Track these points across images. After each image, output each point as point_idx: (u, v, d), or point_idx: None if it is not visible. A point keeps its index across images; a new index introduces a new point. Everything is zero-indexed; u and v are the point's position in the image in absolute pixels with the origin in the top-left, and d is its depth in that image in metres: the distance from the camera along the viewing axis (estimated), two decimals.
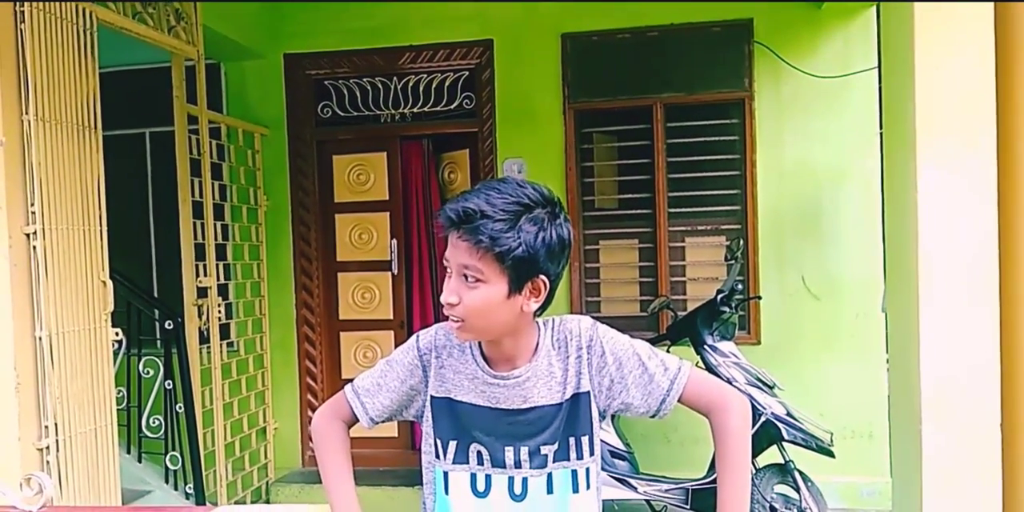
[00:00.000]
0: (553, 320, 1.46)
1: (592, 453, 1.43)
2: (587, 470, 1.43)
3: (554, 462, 1.41)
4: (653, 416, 1.43)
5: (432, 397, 1.45)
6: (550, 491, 1.41)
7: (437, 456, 1.46)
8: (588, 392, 1.42)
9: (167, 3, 3.81)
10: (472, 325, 1.34)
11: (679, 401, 1.41)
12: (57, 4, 2.97)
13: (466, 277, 1.31)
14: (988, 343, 2.37)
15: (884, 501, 4.16)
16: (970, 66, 2.37)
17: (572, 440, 1.42)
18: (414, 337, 1.50)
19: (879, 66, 4.15)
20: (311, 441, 1.58)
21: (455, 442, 1.43)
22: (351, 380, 1.53)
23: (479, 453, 1.42)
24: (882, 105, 2.88)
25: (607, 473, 3.68)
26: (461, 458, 1.43)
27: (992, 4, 2.34)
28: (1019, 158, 2.32)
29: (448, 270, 1.34)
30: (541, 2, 4.71)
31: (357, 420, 1.51)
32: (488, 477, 1.42)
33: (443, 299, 1.33)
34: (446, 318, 1.36)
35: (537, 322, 1.44)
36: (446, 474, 1.44)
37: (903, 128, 2.51)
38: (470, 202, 1.29)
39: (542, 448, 1.41)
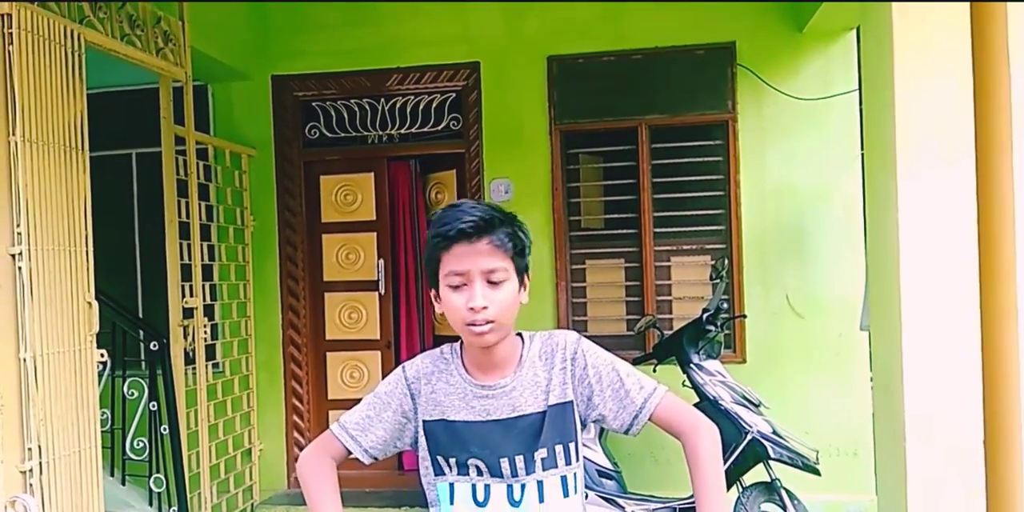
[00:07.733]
0: (540, 334, 1.54)
1: (578, 459, 1.52)
2: (574, 475, 1.51)
3: (544, 469, 1.48)
4: (626, 432, 1.52)
5: (425, 421, 1.51)
6: (542, 496, 1.48)
7: (439, 473, 1.51)
8: (572, 401, 1.50)
9: (155, 25, 3.83)
10: (501, 323, 1.42)
11: (652, 420, 1.50)
12: (45, 26, 2.99)
13: (489, 281, 1.40)
14: (971, 361, 2.40)
15: None
16: (948, 86, 2.42)
17: (560, 447, 1.49)
18: (400, 368, 1.56)
19: (860, 88, 4.22)
20: (298, 472, 1.58)
21: (454, 458, 1.49)
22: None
23: (477, 466, 1.48)
24: (863, 126, 2.93)
25: (595, 493, 3.67)
26: (462, 471, 1.49)
27: (968, 21, 2.39)
28: (998, 176, 2.36)
29: (456, 283, 1.41)
30: (526, 1, 4.78)
31: (348, 455, 1.55)
32: (487, 487, 1.48)
33: (474, 304, 1.39)
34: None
35: (521, 334, 1.54)
36: (451, 486, 1.49)
37: (884, 147, 2.55)
38: (476, 213, 1.40)
39: (535, 455, 1.47)
